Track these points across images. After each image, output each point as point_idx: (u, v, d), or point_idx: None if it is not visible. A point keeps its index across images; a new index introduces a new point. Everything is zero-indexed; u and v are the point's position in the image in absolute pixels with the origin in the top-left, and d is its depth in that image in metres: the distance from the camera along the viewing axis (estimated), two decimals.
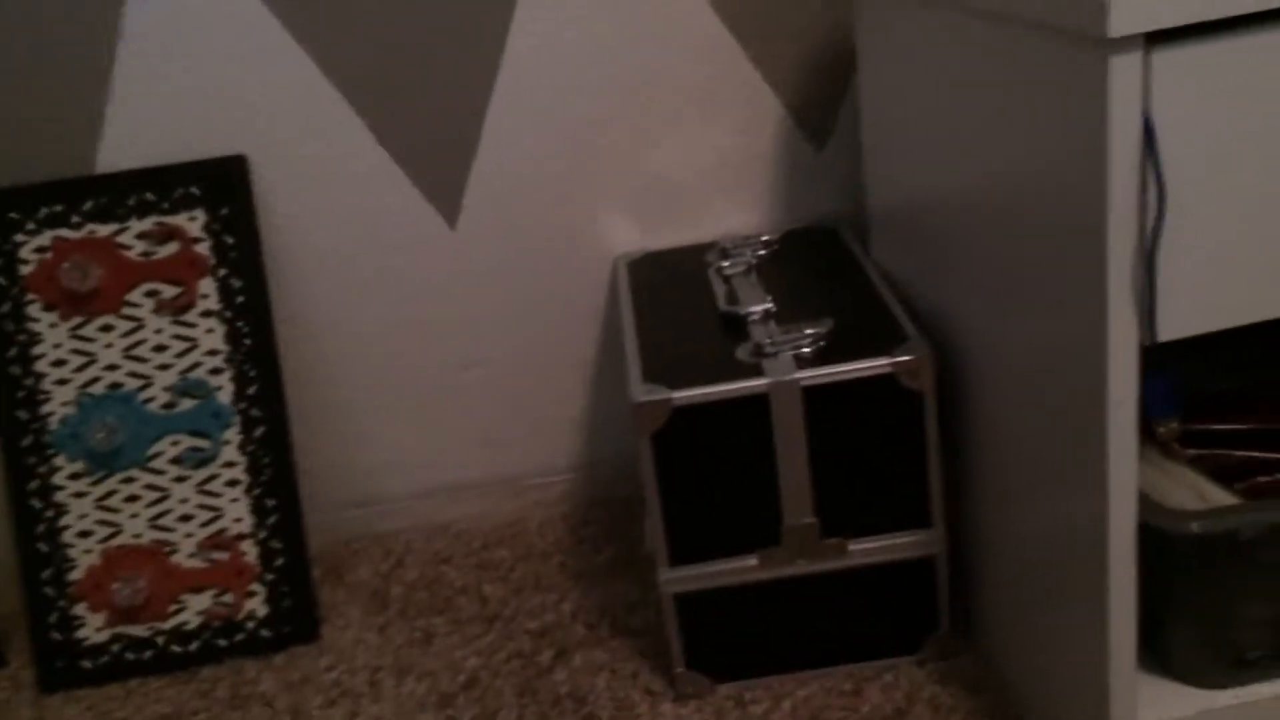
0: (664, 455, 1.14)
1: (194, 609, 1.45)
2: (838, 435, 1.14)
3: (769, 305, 1.25)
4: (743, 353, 1.19)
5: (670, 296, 1.38)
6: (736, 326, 1.25)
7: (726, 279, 1.37)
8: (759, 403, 1.13)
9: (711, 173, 1.55)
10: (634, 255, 1.54)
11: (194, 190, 1.45)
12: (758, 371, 1.14)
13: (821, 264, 1.40)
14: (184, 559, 1.45)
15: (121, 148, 1.46)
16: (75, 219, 1.44)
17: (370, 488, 1.65)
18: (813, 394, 1.13)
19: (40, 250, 1.43)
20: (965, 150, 1.04)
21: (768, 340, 1.18)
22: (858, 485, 1.16)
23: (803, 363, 1.14)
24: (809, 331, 1.18)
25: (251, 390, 1.46)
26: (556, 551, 1.57)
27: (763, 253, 1.44)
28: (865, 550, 1.18)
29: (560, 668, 1.32)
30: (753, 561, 1.18)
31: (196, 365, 1.45)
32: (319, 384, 1.58)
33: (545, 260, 1.57)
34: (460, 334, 1.59)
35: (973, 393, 1.14)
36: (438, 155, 1.51)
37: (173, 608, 1.44)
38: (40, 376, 1.44)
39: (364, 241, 1.53)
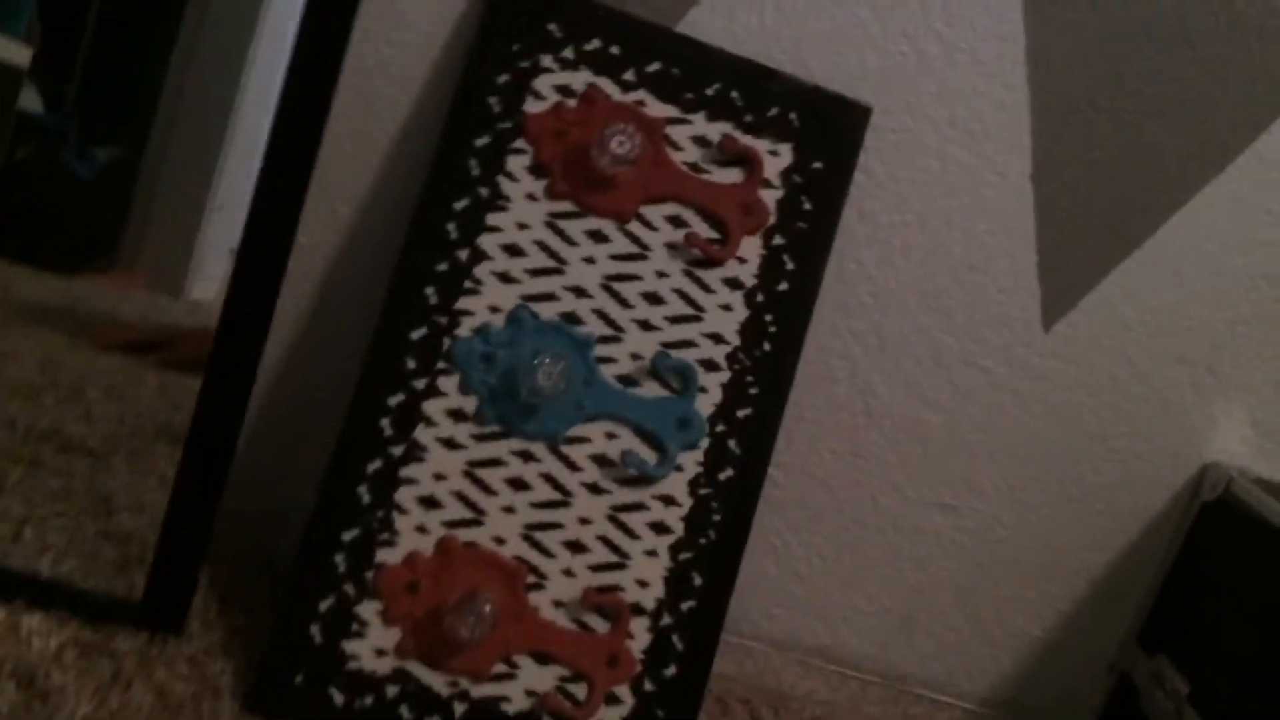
0: None
1: (526, 683, 0.92)
2: None
3: None
4: None
5: None
6: None
7: None
8: None
9: None
10: (1244, 473, 1.10)
11: (790, 118, 0.99)
12: None
13: None
14: (548, 603, 0.93)
15: (720, 17, 1.01)
16: (629, 75, 0.97)
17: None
18: None
19: (565, 93, 0.96)
20: None
21: None
22: None
23: None
24: None
25: (744, 413, 0.97)
26: None
27: None
28: None
29: None
30: None
31: (687, 344, 0.97)
32: None
33: (1118, 433, 1.12)
34: (970, 467, 1.12)
35: None
36: (1081, 239, 1.08)
37: (499, 668, 0.92)
38: (481, 257, 0.94)
39: (938, 289, 1.08)
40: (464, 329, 0.93)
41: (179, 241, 1.53)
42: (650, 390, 0.96)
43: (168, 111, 1.52)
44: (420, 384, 0.92)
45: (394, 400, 0.92)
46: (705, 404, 0.96)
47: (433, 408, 0.92)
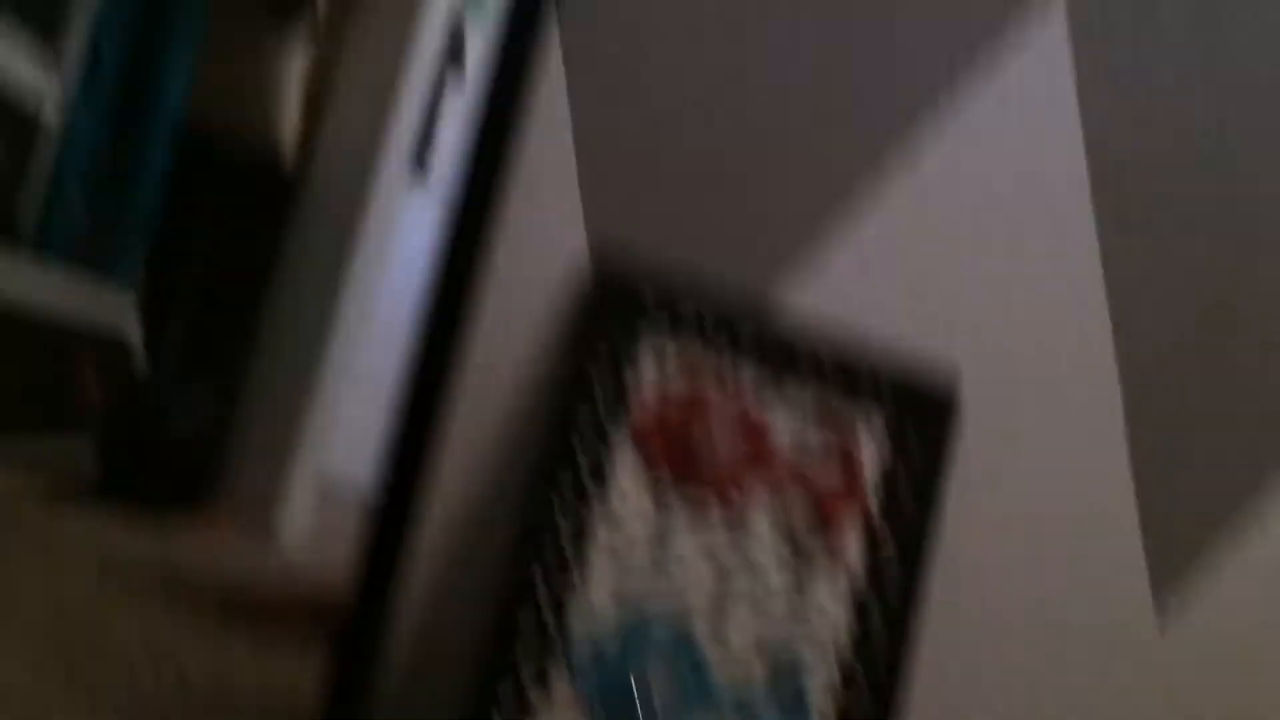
0: None
1: None
2: None
3: None
4: None
5: None
6: None
7: None
8: None
9: None
10: None
11: (880, 391, 1.01)
12: None
13: None
14: None
15: (805, 284, 1.04)
16: (724, 360, 0.99)
17: None
18: None
19: (663, 374, 0.98)
20: None
21: None
22: None
23: None
24: None
25: None
26: None
27: None
28: None
29: None
30: None
31: (795, 645, 0.96)
32: None
33: None
34: None
35: None
36: (1190, 524, 1.06)
37: None
38: (589, 545, 0.95)
39: (1046, 590, 1.06)
40: (578, 634, 0.93)
41: (269, 490, 1.57)
42: (761, 693, 0.95)
43: (262, 362, 1.58)
44: (535, 691, 0.92)
45: (504, 691, 0.91)
46: (817, 713, 0.95)
47: (543, 704, 0.92)
